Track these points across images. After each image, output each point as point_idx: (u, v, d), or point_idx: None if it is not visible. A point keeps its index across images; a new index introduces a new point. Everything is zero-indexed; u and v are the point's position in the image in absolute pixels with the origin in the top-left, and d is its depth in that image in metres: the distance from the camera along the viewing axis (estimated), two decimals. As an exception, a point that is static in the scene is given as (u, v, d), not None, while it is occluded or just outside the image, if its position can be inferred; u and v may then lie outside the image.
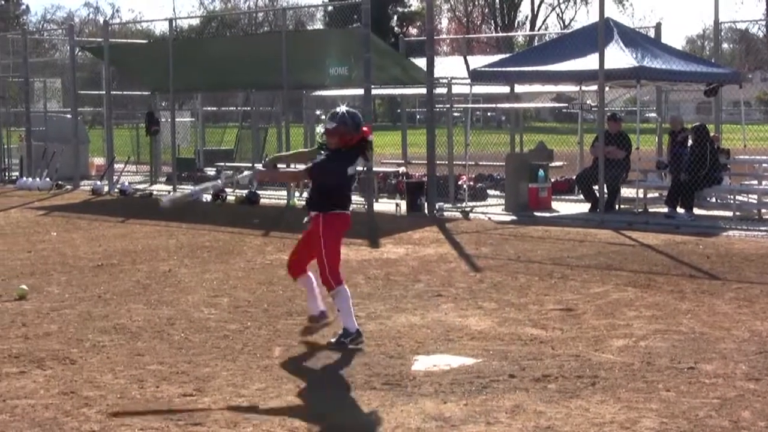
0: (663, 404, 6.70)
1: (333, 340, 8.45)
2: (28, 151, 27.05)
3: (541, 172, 19.06)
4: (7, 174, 28.01)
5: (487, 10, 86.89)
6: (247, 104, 29.03)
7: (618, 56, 17.47)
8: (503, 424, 6.33)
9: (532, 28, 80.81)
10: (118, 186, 24.35)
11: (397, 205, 19.15)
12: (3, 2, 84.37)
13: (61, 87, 31.61)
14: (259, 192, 21.55)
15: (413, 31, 76.74)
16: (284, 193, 21.59)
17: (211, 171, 25.69)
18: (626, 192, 18.84)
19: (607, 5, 17.97)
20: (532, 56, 20.71)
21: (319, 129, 8.62)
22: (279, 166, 9.42)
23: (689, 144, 17.52)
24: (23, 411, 6.65)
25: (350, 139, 8.29)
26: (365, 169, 19.50)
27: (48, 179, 25.31)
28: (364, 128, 8.43)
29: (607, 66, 17.08)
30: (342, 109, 8.41)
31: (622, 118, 19.67)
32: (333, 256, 8.41)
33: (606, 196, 17.80)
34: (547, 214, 18.23)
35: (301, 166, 8.81)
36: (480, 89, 22.08)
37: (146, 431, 6.24)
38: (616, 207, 18.28)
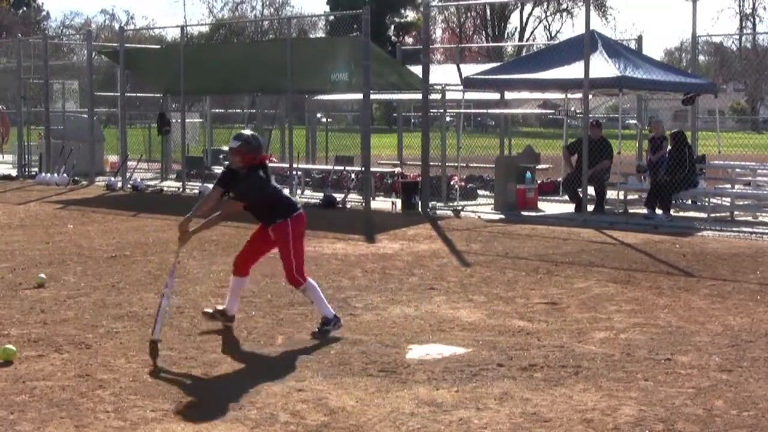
0: (641, 393, 6.71)
1: (316, 329, 8.48)
2: (47, 148, 26.97)
3: (528, 174, 19.03)
4: (27, 169, 27.91)
5: (478, 21, 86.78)
6: (253, 107, 28.98)
7: (602, 66, 17.45)
8: (492, 410, 6.33)
9: (520, 38, 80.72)
10: (131, 182, 24.28)
11: (392, 203, 19.12)
12: (25, 9, 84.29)
13: (78, 88, 31.47)
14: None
15: (409, 40, 76.58)
16: (287, 191, 21.55)
17: (218, 169, 25.62)
18: (608, 194, 18.82)
19: (591, 18, 17.97)
20: (520, 65, 20.70)
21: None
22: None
23: (668, 149, 17.54)
24: (41, 392, 6.64)
25: (252, 159, 8.30)
26: (363, 168, 19.52)
27: (65, 175, 25.22)
28: (263, 153, 8.55)
29: (592, 75, 17.06)
30: (247, 132, 8.65)
31: (602, 124, 19.68)
32: (299, 256, 8.49)
33: (596, 198, 17.91)
34: (534, 214, 18.20)
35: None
36: (472, 95, 22.07)
37: (157, 412, 6.24)
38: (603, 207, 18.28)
